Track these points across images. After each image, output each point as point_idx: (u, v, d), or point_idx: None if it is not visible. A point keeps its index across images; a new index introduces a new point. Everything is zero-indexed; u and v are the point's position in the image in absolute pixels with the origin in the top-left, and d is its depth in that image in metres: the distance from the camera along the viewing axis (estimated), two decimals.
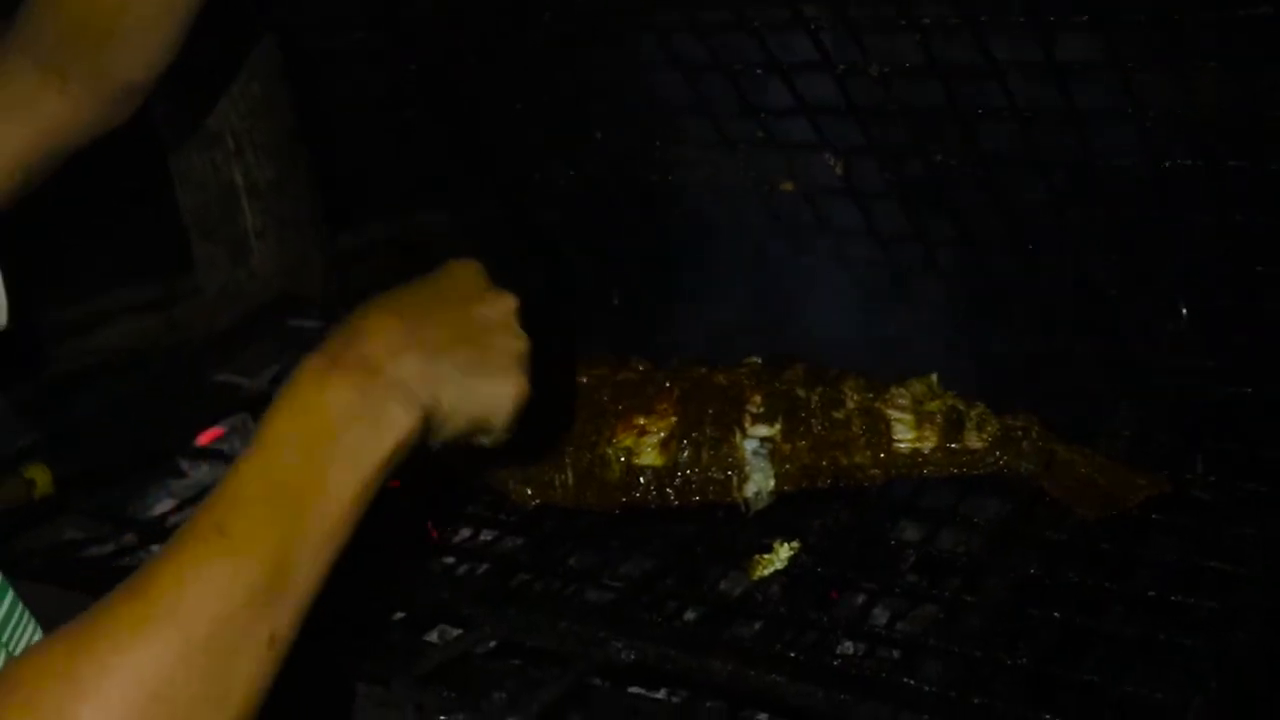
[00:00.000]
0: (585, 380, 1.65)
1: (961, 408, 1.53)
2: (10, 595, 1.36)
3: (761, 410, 1.55)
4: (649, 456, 1.55)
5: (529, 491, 1.60)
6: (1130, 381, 1.63)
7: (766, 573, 1.44)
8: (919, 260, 1.70)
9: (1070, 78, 1.44)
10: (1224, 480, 1.47)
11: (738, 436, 1.53)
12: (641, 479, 1.55)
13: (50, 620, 1.49)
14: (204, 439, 2.05)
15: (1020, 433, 1.50)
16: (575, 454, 1.58)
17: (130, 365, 2.46)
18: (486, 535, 1.68)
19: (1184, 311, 1.64)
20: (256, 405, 2.07)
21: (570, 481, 1.57)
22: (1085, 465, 1.47)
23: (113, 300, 2.72)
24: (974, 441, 1.50)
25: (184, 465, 2.02)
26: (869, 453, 1.51)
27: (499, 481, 1.64)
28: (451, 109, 1.98)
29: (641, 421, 1.57)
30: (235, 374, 2.09)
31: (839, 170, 1.63)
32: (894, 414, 1.53)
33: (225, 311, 2.58)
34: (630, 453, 1.55)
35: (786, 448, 1.53)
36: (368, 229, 2.88)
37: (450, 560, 1.63)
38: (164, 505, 1.97)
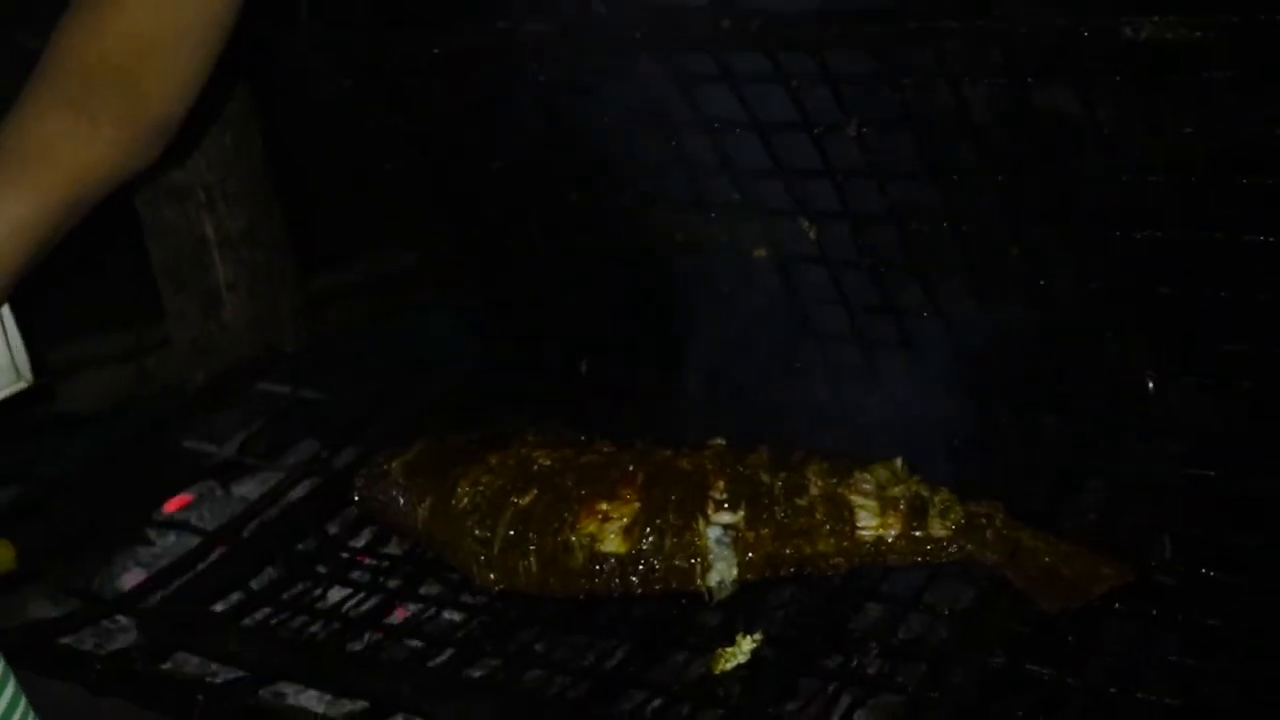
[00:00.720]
0: (549, 463, 1.64)
1: (925, 494, 1.52)
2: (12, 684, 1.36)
3: (725, 497, 1.54)
4: (612, 544, 1.54)
5: (493, 576, 1.59)
6: (1099, 459, 1.61)
7: (729, 666, 1.43)
8: (890, 332, 1.68)
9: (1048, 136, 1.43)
10: (1190, 567, 1.46)
11: (701, 524, 1.53)
12: (604, 566, 1.54)
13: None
14: (171, 506, 2.04)
15: (984, 520, 1.49)
16: (539, 540, 1.56)
17: (98, 419, 2.45)
18: (450, 615, 1.66)
19: (1150, 386, 1.62)
20: (225, 473, 2.06)
21: (534, 568, 1.57)
22: (1049, 554, 1.46)
23: (81, 350, 2.71)
24: (938, 529, 1.49)
25: (151, 534, 2.01)
26: (832, 541, 1.51)
27: (462, 564, 1.63)
28: (431, 160, 1.95)
29: (605, 507, 1.56)
30: (203, 440, 2.07)
31: (812, 235, 1.61)
32: (858, 500, 1.52)
33: (197, 363, 2.57)
34: (594, 539, 1.54)
35: (750, 535, 1.52)
36: (339, 270, 2.87)
37: (415, 644, 1.61)
38: (132, 576, 1.96)
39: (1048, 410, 1.65)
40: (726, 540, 1.52)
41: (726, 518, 1.53)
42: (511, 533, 1.59)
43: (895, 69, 1.43)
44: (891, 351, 1.71)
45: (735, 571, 1.51)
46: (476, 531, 1.60)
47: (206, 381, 2.23)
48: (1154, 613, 1.41)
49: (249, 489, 2.11)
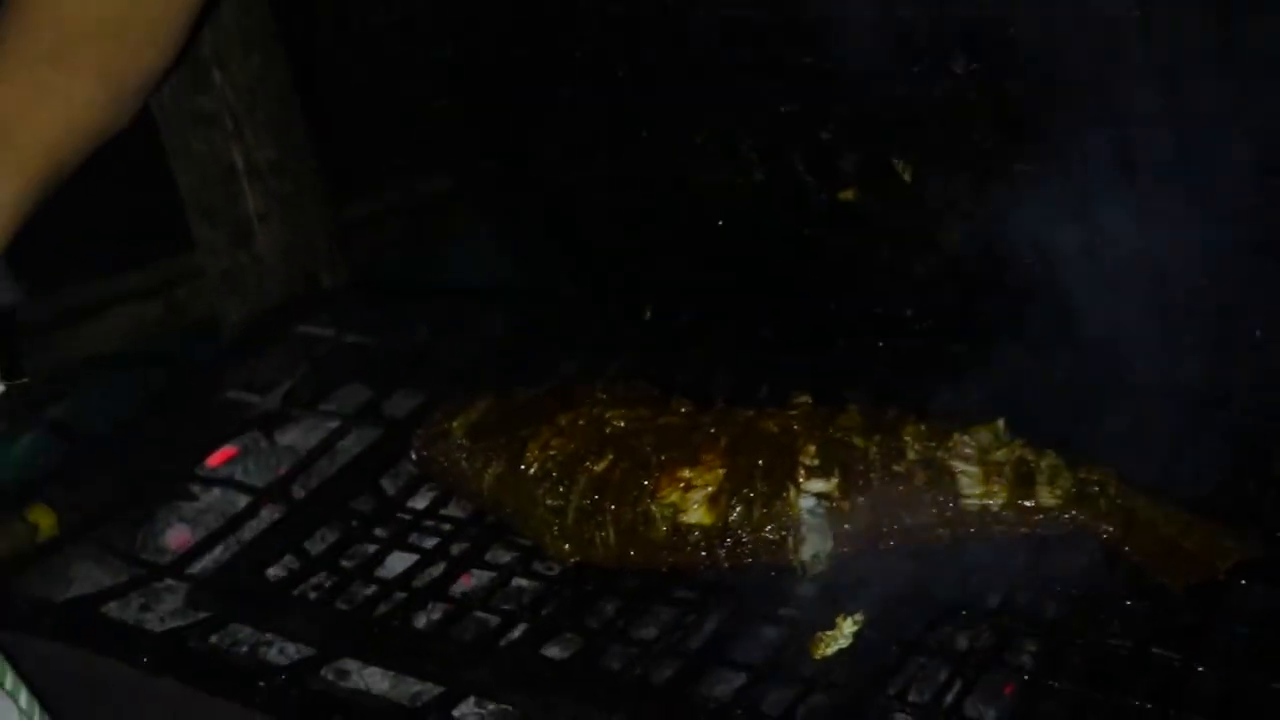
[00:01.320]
0: (624, 424, 1.54)
1: (1031, 458, 1.42)
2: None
3: (816, 463, 1.44)
4: (697, 514, 1.45)
5: (567, 547, 1.50)
6: (1208, 418, 1.51)
7: (830, 651, 1.34)
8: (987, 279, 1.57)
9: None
10: None
11: (792, 493, 1.43)
12: (689, 539, 1.45)
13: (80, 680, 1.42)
14: (214, 460, 1.95)
15: (1097, 488, 1.39)
16: (617, 510, 1.47)
17: (133, 362, 2.36)
18: (521, 585, 1.58)
19: (1258, 334, 1.51)
20: (269, 423, 1.97)
21: (612, 540, 1.48)
22: (1168, 525, 1.37)
23: (108, 286, 2.62)
24: (1046, 498, 1.39)
25: (194, 488, 1.92)
26: (934, 511, 1.41)
27: (534, 534, 1.54)
28: (483, 98, 1.83)
29: (687, 475, 1.46)
30: (245, 390, 1.97)
31: (907, 177, 1.50)
32: (959, 465, 1.43)
33: (229, 296, 2.47)
34: (677, 510, 1.45)
35: (845, 505, 1.42)
36: (375, 197, 2.77)
37: (485, 617, 1.53)
38: (175, 534, 1.88)
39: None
40: (820, 511, 1.43)
41: (819, 485, 1.44)
42: (587, 502, 1.49)
43: None
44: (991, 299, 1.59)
45: (830, 544, 1.42)
46: (549, 500, 1.51)
47: (244, 326, 2.12)
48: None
49: (294, 438, 2.02)
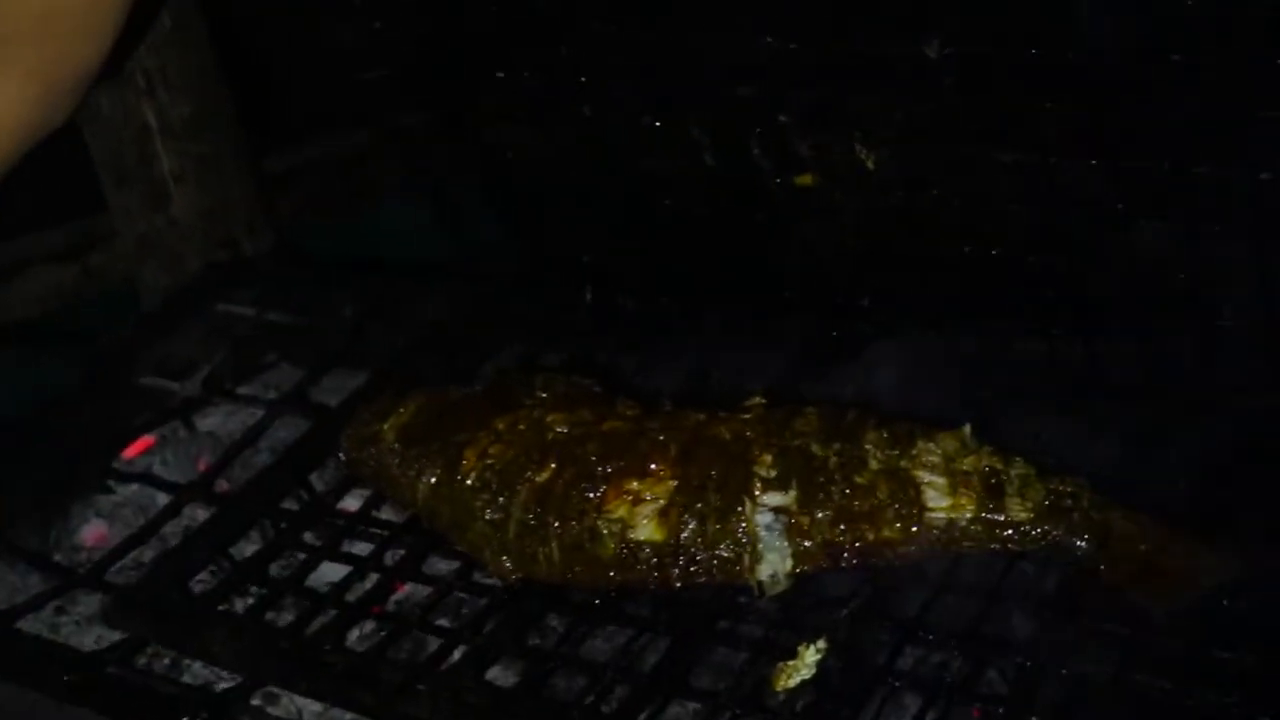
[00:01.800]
0: (566, 430, 1.44)
1: (999, 466, 1.34)
2: None
3: (773, 474, 1.36)
4: (647, 530, 1.36)
5: (508, 564, 1.41)
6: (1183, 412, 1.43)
7: (792, 683, 1.26)
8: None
9: None
10: None
11: (748, 507, 1.35)
12: (638, 556, 1.36)
13: None
14: (131, 451, 1.84)
15: (1069, 501, 1.31)
16: (561, 524, 1.38)
17: (45, 336, 2.25)
18: (461, 599, 1.49)
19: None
20: (189, 411, 1.86)
21: (556, 556, 1.39)
22: (1145, 540, 1.29)
23: (19, 249, 2.50)
24: (1017, 511, 1.32)
25: (110, 481, 1.81)
26: (898, 526, 1.33)
27: (472, 549, 1.45)
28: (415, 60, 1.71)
29: (635, 487, 1.38)
30: (162, 376, 1.86)
31: (870, 164, 1.40)
32: (924, 476, 1.35)
33: (145, 261, 2.36)
34: (625, 525, 1.36)
35: (804, 520, 1.34)
36: (295, 150, 2.64)
37: (425, 637, 1.44)
38: (92, 529, 1.79)
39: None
40: (778, 526, 1.34)
41: (777, 499, 1.35)
42: (529, 516, 1.40)
43: None
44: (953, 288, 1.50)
45: (789, 563, 1.34)
46: (488, 514, 1.42)
47: (160, 301, 2.00)
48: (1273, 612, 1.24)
49: (215, 423, 1.93)
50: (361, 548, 1.57)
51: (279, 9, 2.42)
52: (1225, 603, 1.27)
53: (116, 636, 1.49)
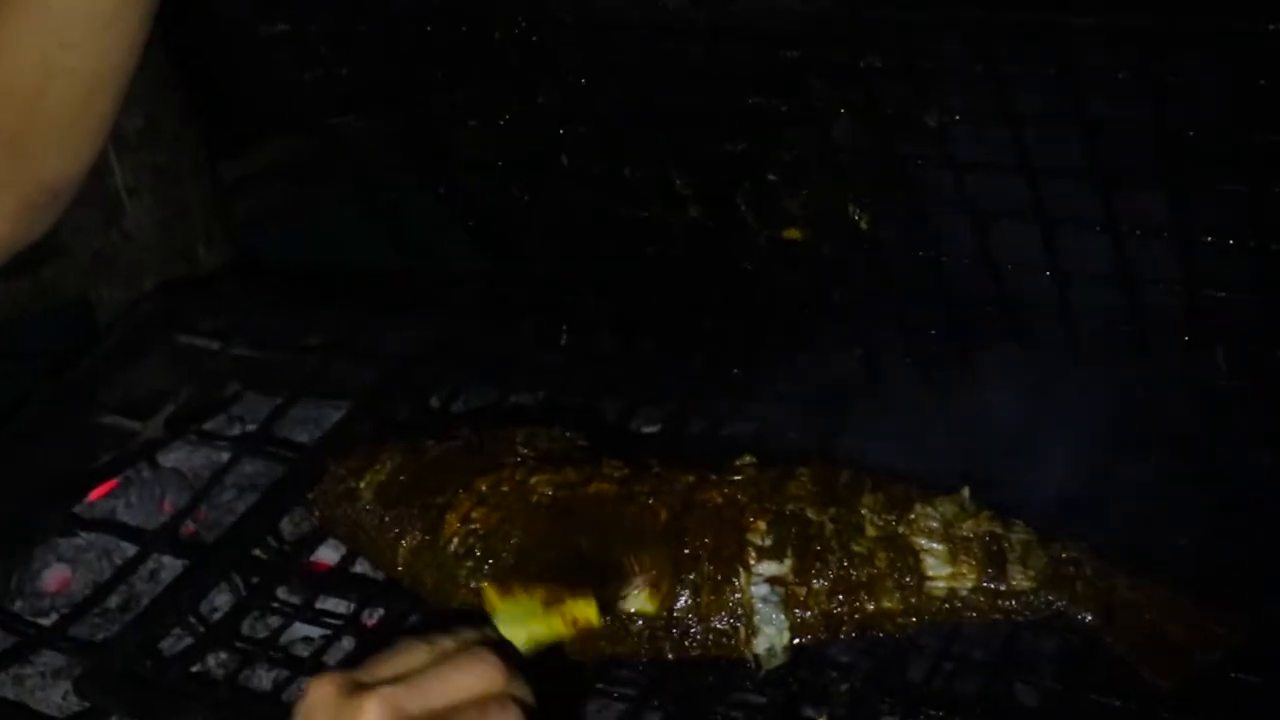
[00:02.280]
0: (551, 493, 1.40)
1: (999, 531, 1.31)
2: None
3: (768, 543, 1.32)
4: (637, 601, 1.32)
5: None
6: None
7: None
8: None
9: None
10: None
11: (743, 577, 1.31)
12: (631, 629, 1.32)
13: None
14: (95, 494, 1.79)
15: (1072, 568, 1.28)
16: None
17: None
18: None
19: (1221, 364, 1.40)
20: (153, 450, 1.81)
21: None
22: (1150, 609, 1.26)
23: None
24: (1019, 580, 1.29)
25: (73, 525, 1.76)
26: (898, 596, 1.30)
27: None
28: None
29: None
30: (123, 414, 1.80)
31: (864, 224, 1.36)
32: (923, 543, 1.31)
33: (100, 276, 2.30)
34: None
35: (801, 591, 1.30)
36: (245, 157, 2.57)
37: None
38: (55, 574, 1.73)
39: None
40: (774, 598, 1.31)
41: (772, 569, 1.32)
42: None
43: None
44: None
45: (786, 636, 1.31)
46: (473, 583, 1.37)
47: (118, 328, 1.94)
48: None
49: (179, 459, 1.87)
50: (339, 606, 1.52)
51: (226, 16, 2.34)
52: (1233, 675, 1.23)
53: None
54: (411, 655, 1.03)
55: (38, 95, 1.10)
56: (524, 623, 1.15)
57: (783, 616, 1.31)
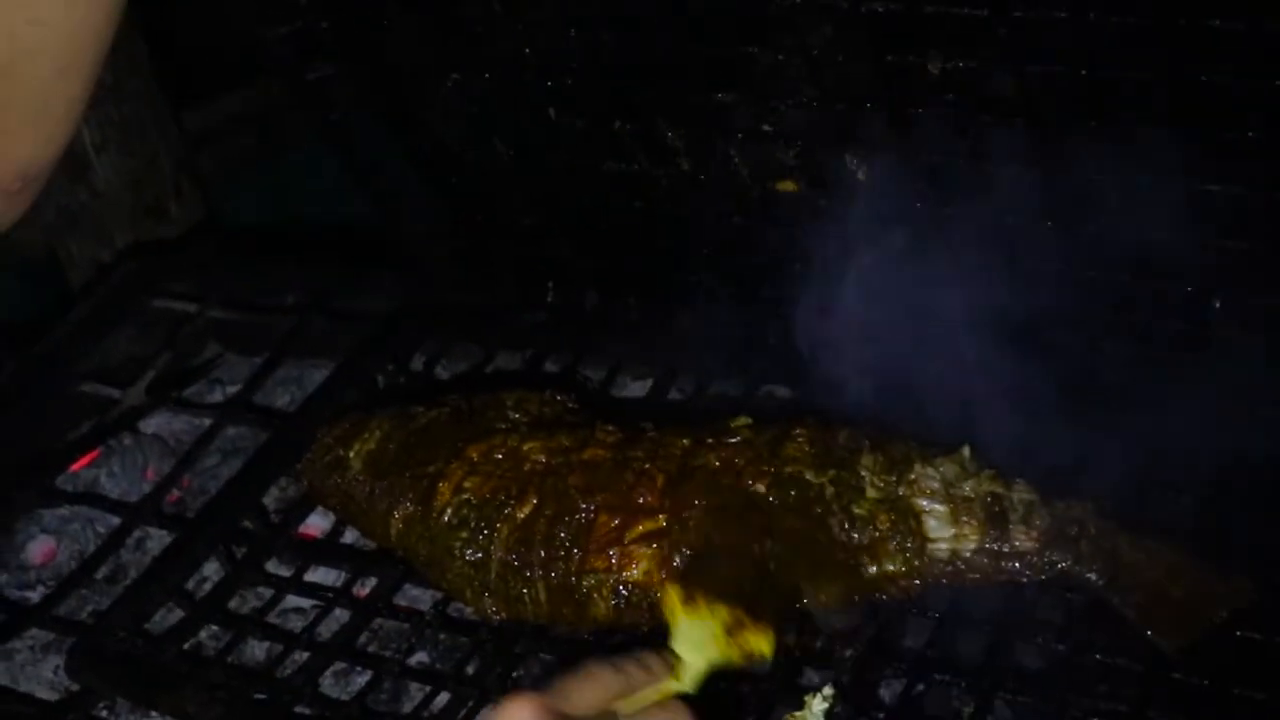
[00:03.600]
0: (544, 459, 1.38)
1: (1001, 490, 1.29)
2: None
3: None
4: (637, 570, 1.30)
5: (492, 606, 1.35)
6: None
7: None
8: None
9: None
10: None
11: None
12: (629, 598, 1.30)
13: None
14: (77, 465, 1.76)
15: (1075, 527, 1.26)
16: (545, 564, 1.32)
17: None
18: (442, 639, 1.43)
19: (1217, 305, 1.38)
20: (134, 419, 1.77)
21: (542, 597, 1.33)
22: (1154, 569, 1.25)
23: None
24: (1022, 540, 1.27)
25: (56, 497, 1.73)
26: (900, 559, 1.28)
27: (453, 588, 1.38)
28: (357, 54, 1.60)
29: (626, 534, 1.31)
30: (101, 382, 1.77)
31: (861, 176, 1.33)
32: (924, 504, 1.29)
33: (70, 234, 2.26)
34: (616, 574, 1.30)
35: None
36: (215, 106, 2.52)
37: (405, 682, 1.38)
38: (40, 545, 1.70)
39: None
40: None
41: None
42: (511, 556, 1.33)
43: None
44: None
45: None
46: (467, 554, 1.35)
47: (91, 304, 1.90)
48: None
49: (160, 425, 1.84)
50: (330, 577, 1.50)
51: None
52: (1239, 633, 1.22)
53: None
54: (602, 685, 1.01)
55: (3, 76, 1.06)
56: (703, 648, 1.12)
57: None
